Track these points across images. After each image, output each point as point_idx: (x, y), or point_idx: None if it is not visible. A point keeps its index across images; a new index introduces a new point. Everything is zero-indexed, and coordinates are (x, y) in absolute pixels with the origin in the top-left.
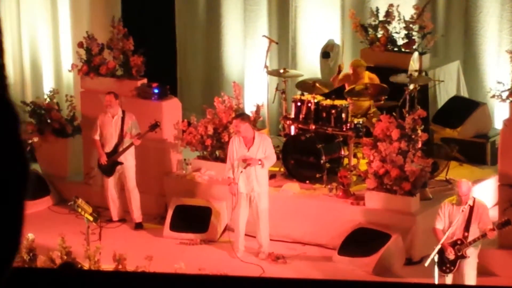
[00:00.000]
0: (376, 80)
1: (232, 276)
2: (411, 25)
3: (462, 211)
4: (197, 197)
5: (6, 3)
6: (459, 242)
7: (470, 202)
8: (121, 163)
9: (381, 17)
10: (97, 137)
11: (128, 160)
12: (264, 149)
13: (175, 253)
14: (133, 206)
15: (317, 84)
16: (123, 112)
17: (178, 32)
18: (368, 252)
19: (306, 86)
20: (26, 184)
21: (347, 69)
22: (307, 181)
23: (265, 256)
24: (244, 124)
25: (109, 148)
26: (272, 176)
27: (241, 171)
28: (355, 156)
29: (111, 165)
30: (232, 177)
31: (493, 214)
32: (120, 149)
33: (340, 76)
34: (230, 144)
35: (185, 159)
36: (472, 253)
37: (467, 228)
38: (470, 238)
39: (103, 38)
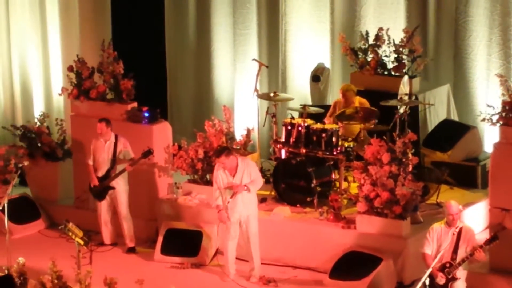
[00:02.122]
0: (367, 104)
1: None
2: (401, 49)
3: (453, 234)
4: (188, 221)
5: None
6: (447, 265)
7: (459, 225)
8: (113, 188)
9: (371, 41)
10: (90, 162)
11: (120, 185)
12: (249, 173)
13: (166, 277)
14: (125, 231)
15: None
16: (116, 137)
17: (169, 56)
18: (359, 276)
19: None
20: None
21: (336, 94)
22: (298, 205)
23: (256, 280)
24: (229, 158)
25: (101, 172)
26: (263, 200)
27: (228, 202)
28: (345, 179)
29: (102, 190)
30: (220, 204)
31: (484, 237)
32: (113, 174)
33: (331, 105)
34: (215, 173)
35: (175, 183)
36: (461, 275)
37: (455, 251)
38: (458, 260)
39: (93, 62)
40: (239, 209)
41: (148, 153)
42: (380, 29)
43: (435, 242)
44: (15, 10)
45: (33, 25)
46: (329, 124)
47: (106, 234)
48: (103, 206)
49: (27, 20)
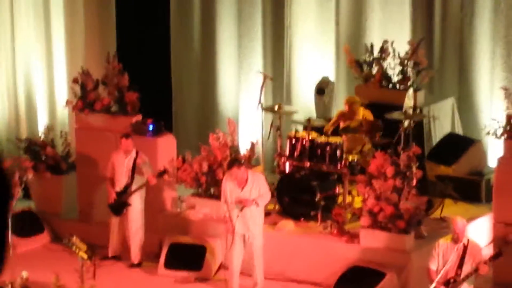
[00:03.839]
0: (370, 116)
1: None
2: (405, 61)
3: (457, 249)
4: (192, 234)
5: (1, 38)
6: (452, 280)
7: (465, 241)
8: (129, 205)
9: (375, 53)
10: (109, 175)
11: (135, 203)
12: (258, 187)
13: None
14: (131, 247)
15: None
16: (137, 152)
17: (173, 68)
18: None
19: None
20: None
21: (340, 107)
22: (302, 219)
23: None
24: (240, 169)
25: (119, 187)
26: (266, 213)
27: (238, 215)
28: (349, 193)
29: (119, 205)
30: (227, 215)
31: (488, 252)
32: (129, 190)
33: (335, 115)
34: (224, 185)
35: (179, 197)
36: None
37: (460, 266)
38: (462, 275)
39: (98, 74)
40: (246, 223)
41: (163, 173)
42: (385, 41)
43: (441, 258)
44: (20, 21)
45: (37, 36)
46: (328, 130)
47: (113, 247)
48: (115, 220)
49: (32, 32)
